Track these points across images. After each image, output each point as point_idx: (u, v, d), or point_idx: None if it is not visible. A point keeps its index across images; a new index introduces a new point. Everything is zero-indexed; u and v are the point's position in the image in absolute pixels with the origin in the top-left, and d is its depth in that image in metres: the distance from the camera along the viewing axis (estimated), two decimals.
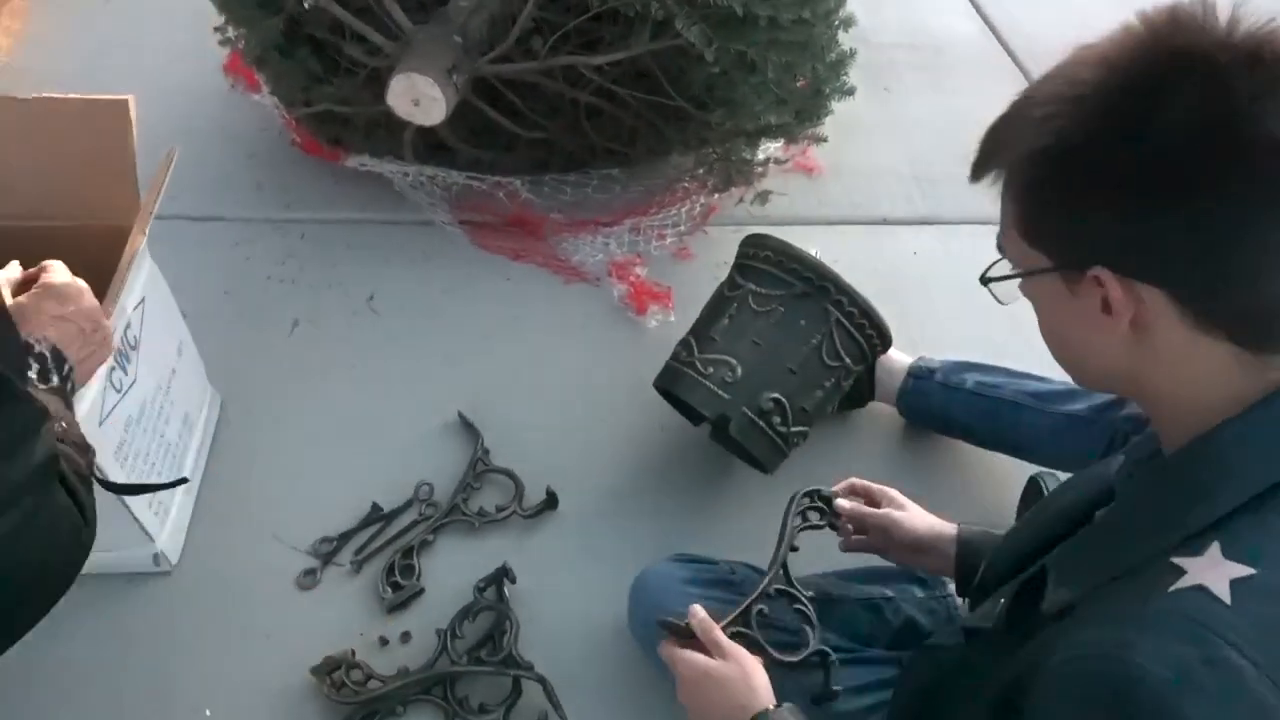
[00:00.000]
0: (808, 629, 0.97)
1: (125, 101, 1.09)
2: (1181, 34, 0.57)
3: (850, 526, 1.10)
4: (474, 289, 1.65)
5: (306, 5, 1.54)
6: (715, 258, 1.73)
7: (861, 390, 1.43)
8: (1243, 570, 0.55)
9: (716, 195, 1.82)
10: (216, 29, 1.68)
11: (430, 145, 1.70)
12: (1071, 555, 0.71)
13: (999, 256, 0.70)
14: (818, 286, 1.25)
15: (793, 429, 1.25)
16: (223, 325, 1.52)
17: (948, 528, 1.04)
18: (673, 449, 1.43)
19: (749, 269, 1.32)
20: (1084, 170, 0.60)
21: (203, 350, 1.36)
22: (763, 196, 1.80)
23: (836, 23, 1.57)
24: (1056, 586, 0.68)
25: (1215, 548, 0.57)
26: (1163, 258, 0.59)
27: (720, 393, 1.24)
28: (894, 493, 1.10)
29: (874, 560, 1.13)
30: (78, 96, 1.09)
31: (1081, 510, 0.78)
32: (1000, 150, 0.66)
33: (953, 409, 1.37)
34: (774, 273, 1.28)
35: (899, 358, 1.42)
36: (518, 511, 1.31)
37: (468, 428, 1.41)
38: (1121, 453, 0.77)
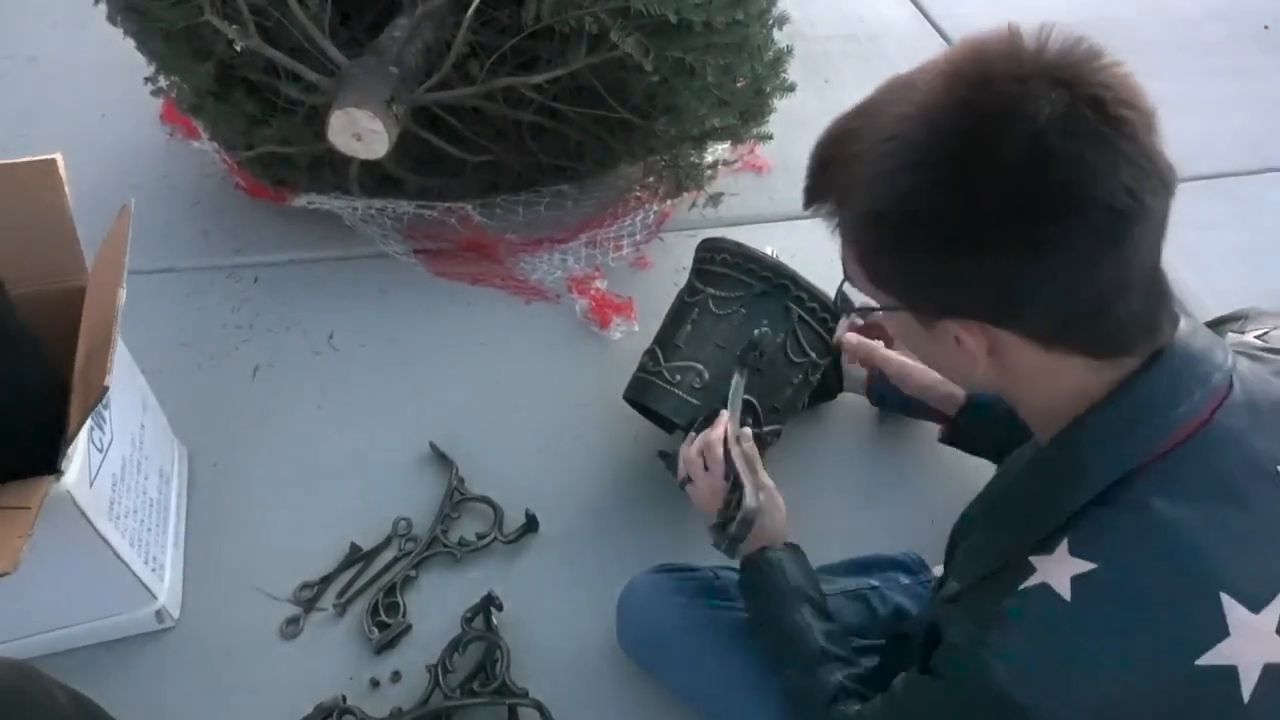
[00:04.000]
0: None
1: (53, 161, 1.07)
2: (989, 79, 0.56)
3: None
4: (435, 318, 1.64)
5: (238, 48, 1.52)
6: (674, 264, 1.73)
7: (829, 383, 1.44)
8: (1084, 566, 0.59)
9: (669, 201, 1.83)
10: (147, 79, 1.66)
11: (377, 178, 1.68)
12: (964, 553, 0.76)
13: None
14: (776, 285, 1.26)
15: (766, 428, 1.25)
16: (183, 378, 1.50)
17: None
18: (648, 460, 1.42)
19: (707, 273, 1.32)
20: (918, 232, 0.59)
21: (165, 405, 1.33)
22: (715, 199, 1.81)
23: (771, 21, 1.57)
24: (949, 579, 0.74)
25: (1064, 544, 0.61)
26: (1008, 306, 0.60)
27: (690, 399, 1.24)
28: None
29: (854, 552, 1.14)
30: (3, 162, 1.07)
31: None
32: (829, 194, 0.66)
33: None
34: (732, 275, 1.29)
35: None
36: (499, 538, 1.30)
37: (441, 458, 1.40)
38: None
